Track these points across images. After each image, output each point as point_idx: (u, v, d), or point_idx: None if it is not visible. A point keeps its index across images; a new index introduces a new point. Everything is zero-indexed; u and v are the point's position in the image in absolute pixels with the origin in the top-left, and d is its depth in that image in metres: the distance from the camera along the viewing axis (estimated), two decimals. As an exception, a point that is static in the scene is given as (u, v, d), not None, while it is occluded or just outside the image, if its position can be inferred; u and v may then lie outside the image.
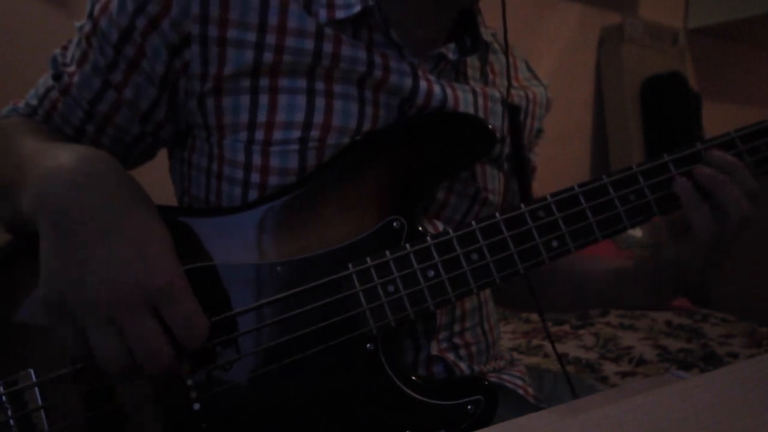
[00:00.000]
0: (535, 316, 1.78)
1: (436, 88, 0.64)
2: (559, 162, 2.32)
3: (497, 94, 0.70)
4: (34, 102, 0.66)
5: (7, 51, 1.35)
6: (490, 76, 0.72)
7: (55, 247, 0.50)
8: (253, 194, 0.60)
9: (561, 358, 0.70)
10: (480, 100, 0.68)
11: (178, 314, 0.50)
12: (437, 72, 0.66)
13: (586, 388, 1.38)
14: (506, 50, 0.71)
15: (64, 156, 0.52)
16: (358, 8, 0.60)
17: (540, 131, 0.80)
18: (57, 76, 0.64)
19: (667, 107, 2.48)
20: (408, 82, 0.62)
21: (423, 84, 0.63)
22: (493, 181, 0.70)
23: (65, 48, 0.65)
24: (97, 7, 0.60)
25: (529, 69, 0.80)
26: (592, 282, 0.78)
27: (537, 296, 0.68)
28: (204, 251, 0.57)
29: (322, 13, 0.60)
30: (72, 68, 0.63)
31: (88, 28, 0.61)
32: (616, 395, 0.49)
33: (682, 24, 2.79)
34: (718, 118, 2.51)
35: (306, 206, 0.59)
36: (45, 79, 0.66)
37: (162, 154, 0.72)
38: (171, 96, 0.61)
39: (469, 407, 0.56)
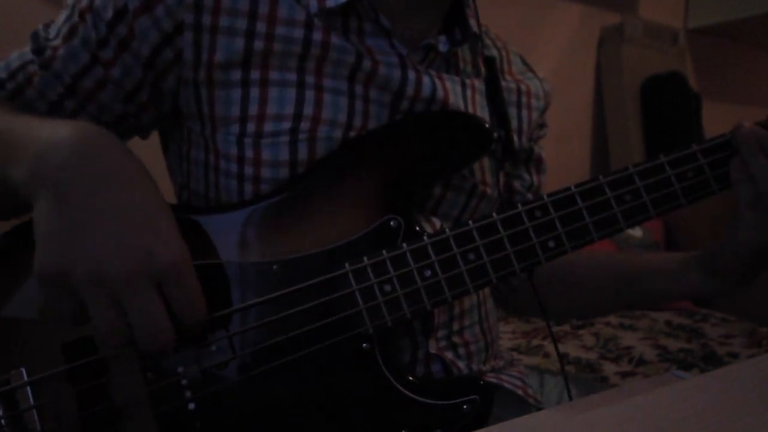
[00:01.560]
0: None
1: (425, 79, 0.63)
2: (559, 162, 2.31)
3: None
4: (2, 75, 0.65)
5: (7, 51, 1.34)
6: (482, 70, 0.72)
7: (56, 217, 0.48)
8: (248, 187, 0.60)
9: (562, 357, 0.69)
10: (468, 92, 0.68)
11: (183, 292, 0.49)
12: (427, 63, 0.66)
13: (586, 388, 1.37)
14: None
15: (62, 129, 0.51)
16: None
17: (543, 125, 0.80)
18: (39, 50, 0.63)
19: (667, 107, 2.48)
20: (397, 72, 0.62)
21: (412, 74, 0.63)
22: (490, 175, 0.70)
23: (47, 25, 0.65)
24: None
25: (524, 63, 0.79)
26: (600, 276, 0.76)
27: (540, 298, 0.68)
28: (198, 249, 0.56)
29: (313, 4, 0.60)
30: (56, 42, 0.62)
31: (84, 3, 0.60)
32: (616, 395, 0.48)
33: (682, 24, 2.79)
34: (718, 118, 2.50)
35: (302, 205, 0.59)
36: (20, 54, 0.65)
37: (159, 153, 0.71)
38: (156, 80, 0.61)
39: (464, 407, 0.55)
